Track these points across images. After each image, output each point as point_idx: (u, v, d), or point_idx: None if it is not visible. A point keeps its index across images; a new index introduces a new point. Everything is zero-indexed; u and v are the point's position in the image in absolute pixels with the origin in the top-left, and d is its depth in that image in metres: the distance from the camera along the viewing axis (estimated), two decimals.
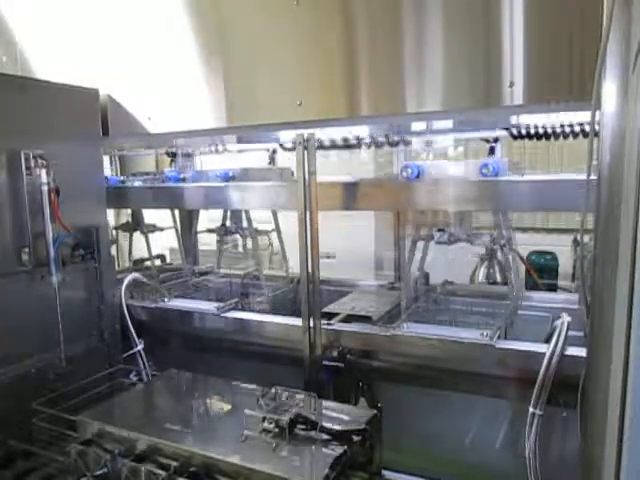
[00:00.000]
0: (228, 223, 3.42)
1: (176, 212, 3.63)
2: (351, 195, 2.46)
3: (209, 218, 3.76)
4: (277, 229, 3.49)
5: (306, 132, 2.26)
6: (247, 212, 3.38)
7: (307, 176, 2.27)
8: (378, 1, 2.11)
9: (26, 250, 2.34)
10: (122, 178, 3.52)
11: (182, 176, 3.26)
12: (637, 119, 1.24)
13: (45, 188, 2.35)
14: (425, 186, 2.31)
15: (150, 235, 3.49)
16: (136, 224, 3.55)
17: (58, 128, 2.54)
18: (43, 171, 2.34)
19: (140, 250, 3.65)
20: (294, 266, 2.83)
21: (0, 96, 2.30)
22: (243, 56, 2.41)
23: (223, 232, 3.41)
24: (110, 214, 3.45)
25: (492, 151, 2.53)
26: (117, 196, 3.17)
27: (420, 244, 2.65)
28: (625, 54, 1.29)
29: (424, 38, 2.05)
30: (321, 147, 2.86)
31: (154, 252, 3.59)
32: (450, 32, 2.02)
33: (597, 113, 1.45)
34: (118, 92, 2.78)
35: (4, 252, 2.31)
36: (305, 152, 2.25)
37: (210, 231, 3.50)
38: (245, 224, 3.40)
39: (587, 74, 1.58)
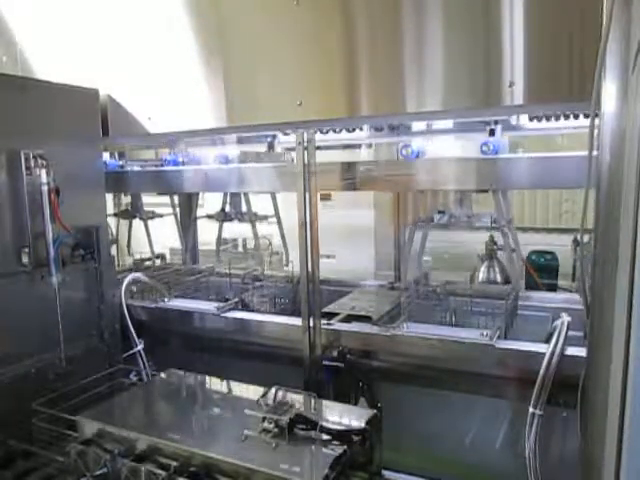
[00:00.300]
0: (227, 208, 3.39)
1: (176, 202, 3.62)
2: (351, 176, 2.46)
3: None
4: (277, 215, 3.45)
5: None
6: (247, 197, 3.35)
7: (307, 175, 2.28)
8: (378, 1, 2.11)
9: (26, 250, 2.34)
10: (121, 163, 3.51)
11: (181, 159, 3.24)
12: (637, 119, 1.24)
13: (45, 188, 2.34)
14: (425, 165, 2.30)
15: (150, 228, 3.49)
16: (135, 210, 3.53)
17: (58, 128, 2.53)
18: (43, 171, 2.34)
19: (139, 239, 3.65)
20: (294, 259, 2.81)
21: (0, 96, 2.30)
22: (243, 56, 2.41)
23: (222, 217, 3.39)
24: (109, 203, 3.45)
25: (492, 133, 2.51)
26: (116, 181, 3.16)
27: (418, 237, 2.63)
28: (625, 54, 1.29)
29: (424, 38, 2.05)
30: (321, 140, 2.84)
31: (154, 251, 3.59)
32: (450, 32, 2.02)
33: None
34: (118, 92, 2.78)
35: (4, 252, 2.31)
36: (305, 152, 2.25)
37: (209, 217, 3.48)
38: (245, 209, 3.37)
39: (587, 74, 1.57)
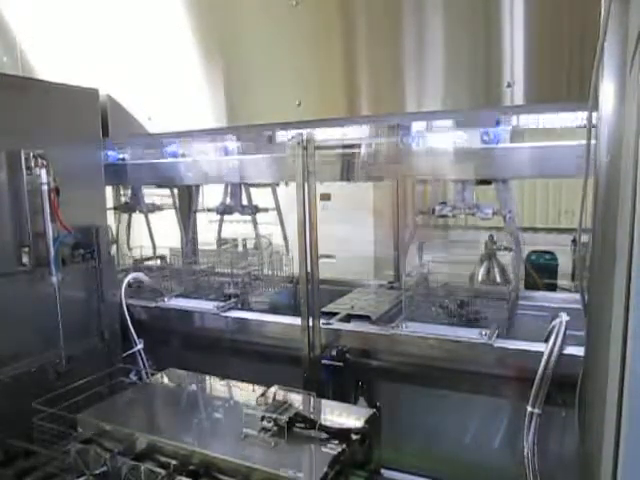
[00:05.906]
0: (228, 201, 3.31)
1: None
2: (351, 164, 2.49)
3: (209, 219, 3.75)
4: (277, 208, 3.39)
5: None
6: (247, 191, 3.31)
7: (307, 175, 2.28)
8: (378, 0, 2.11)
9: (26, 250, 2.35)
10: (122, 156, 3.49)
11: (181, 152, 3.24)
12: (635, 119, 1.24)
13: (45, 188, 2.34)
14: (425, 153, 2.32)
15: (150, 224, 3.48)
16: (136, 203, 3.52)
17: (58, 128, 2.54)
18: (43, 171, 2.34)
19: (137, 237, 3.64)
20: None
21: (1, 96, 2.30)
22: (242, 56, 2.41)
23: (222, 210, 3.32)
24: (108, 198, 3.44)
25: (497, 122, 2.50)
26: (116, 173, 3.17)
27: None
28: (622, 54, 1.30)
29: (424, 38, 2.05)
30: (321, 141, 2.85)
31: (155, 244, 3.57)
32: (450, 32, 2.02)
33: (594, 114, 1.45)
34: (118, 92, 2.78)
35: (4, 252, 2.31)
36: (304, 152, 2.26)
37: (209, 210, 3.42)
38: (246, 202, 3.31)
39: (586, 75, 1.58)
